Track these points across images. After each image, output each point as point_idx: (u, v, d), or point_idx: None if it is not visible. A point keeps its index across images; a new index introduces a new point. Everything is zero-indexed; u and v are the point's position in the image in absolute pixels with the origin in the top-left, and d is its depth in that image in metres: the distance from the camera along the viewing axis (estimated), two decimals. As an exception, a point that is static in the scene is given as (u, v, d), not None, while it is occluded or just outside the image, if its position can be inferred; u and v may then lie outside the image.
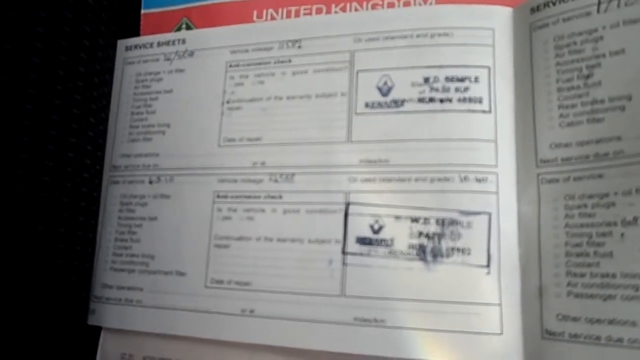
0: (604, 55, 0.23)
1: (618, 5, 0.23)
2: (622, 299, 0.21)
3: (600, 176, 0.22)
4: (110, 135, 0.30)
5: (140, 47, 0.30)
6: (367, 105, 0.26)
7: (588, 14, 0.23)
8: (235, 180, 0.27)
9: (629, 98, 0.22)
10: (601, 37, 0.23)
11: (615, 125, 0.22)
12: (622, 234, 0.21)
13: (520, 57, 0.25)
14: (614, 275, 0.21)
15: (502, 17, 0.26)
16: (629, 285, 0.20)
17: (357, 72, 0.27)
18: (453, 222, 0.24)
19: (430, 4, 0.28)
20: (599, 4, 0.23)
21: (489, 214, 0.24)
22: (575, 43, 0.24)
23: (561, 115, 0.24)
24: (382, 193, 0.25)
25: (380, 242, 0.25)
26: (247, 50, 0.29)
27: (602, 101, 0.23)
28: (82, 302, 0.26)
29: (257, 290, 0.26)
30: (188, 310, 0.26)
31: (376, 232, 0.25)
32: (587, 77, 0.23)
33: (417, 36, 0.26)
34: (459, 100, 0.25)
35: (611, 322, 0.21)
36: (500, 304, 0.23)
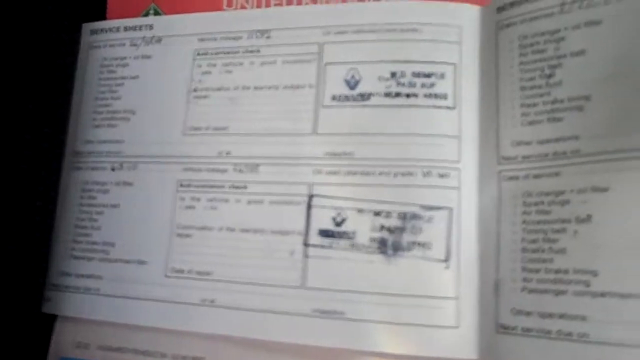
0: (565, 56, 0.23)
1: (580, 7, 0.23)
2: (573, 294, 0.21)
3: (557, 174, 0.23)
4: (74, 120, 0.29)
5: (106, 31, 0.30)
6: (334, 98, 0.26)
7: (551, 14, 0.24)
8: (200, 170, 0.27)
9: (588, 98, 0.22)
10: (563, 38, 0.23)
11: (574, 125, 0.23)
12: (576, 231, 0.21)
13: (486, 55, 0.25)
14: (566, 271, 0.21)
15: (470, 15, 0.26)
16: (580, 281, 0.21)
17: (326, 65, 0.27)
18: (414, 217, 0.24)
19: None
20: (562, 5, 0.24)
21: (450, 209, 0.24)
22: (538, 43, 0.24)
23: (523, 114, 0.24)
24: (345, 186, 0.25)
25: (342, 235, 0.25)
26: (215, 39, 0.28)
27: (562, 101, 0.23)
28: (37, 289, 0.26)
29: (218, 280, 0.25)
30: (148, 299, 0.26)
31: (338, 224, 0.25)
32: (549, 76, 0.24)
33: (386, 31, 0.26)
34: (425, 95, 0.25)
35: (562, 316, 0.21)
36: (457, 298, 0.23)
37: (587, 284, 0.21)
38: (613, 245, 0.21)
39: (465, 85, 0.25)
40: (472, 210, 0.24)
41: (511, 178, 0.24)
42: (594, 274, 0.21)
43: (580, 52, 0.23)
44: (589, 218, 0.21)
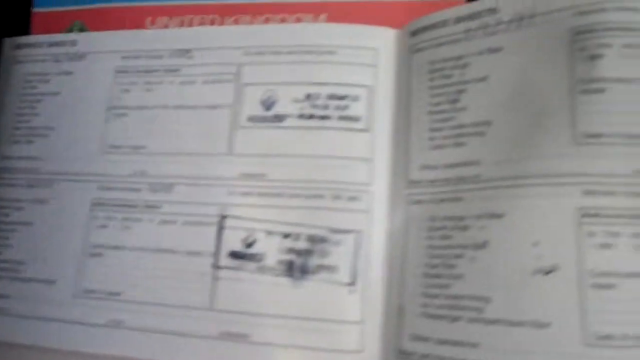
0: (469, 82, 0.23)
1: (483, 34, 0.23)
2: (467, 321, 0.21)
3: (459, 199, 0.23)
4: (-7, 136, 0.29)
5: (29, 47, 0.29)
6: (250, 119, 0.26)
7: (457, 40, 0.24)
8: (115, 189, 0.27)
9: (489, 124, 0.23)
10: (467, 64, 0.24)
11: (475, 150, 0.23)
12: (473, 257, 0.21)
13: (400, 78, 0.26)
14: (462, 297, 0.21)
15: (386, 39, 0.26)
16: (474, 308, 0.21)
17: (243, 86, 0.27)
18: (323, 240, 0.24)
19: (321, 22, 0.28)
20: (467, 31, 0.24)
21: (359, 233, 0.24)
22: (445, 68, 0.24)
23: (431, 138, 0.24)
24: (257, 207, 0.25)
25: (252, 257, 0.25)
26: (137, 57, 0.28)
27: (466, 126, 0.23)
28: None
29: (127, 301, 0.25)
30: (56, 320, 0.25)
31: (248, 246, 0.25)
32: (454, 102, 0.24)
33: (303, 52, 0.26)
34: (338, 118, 0.25)
35: (456, 343, 0.21)
36: (361, 322, 0.23)
37: (480, 310, 0.21)
38: (505, 272, 0.21)
39: (379, 107, 0.25)
40: (381, 234, 0.24)
41: (418, 202, 0.24)
42: (487, 300, 0.21)
43: (483, 78, 0.23)
44: (485, 244, 0.21)
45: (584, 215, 0.20)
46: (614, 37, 0.20)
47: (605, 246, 0.19)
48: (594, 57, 0.20)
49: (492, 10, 0.23)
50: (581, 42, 0.21)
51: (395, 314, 0.23)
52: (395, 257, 0.24)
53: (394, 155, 0.25)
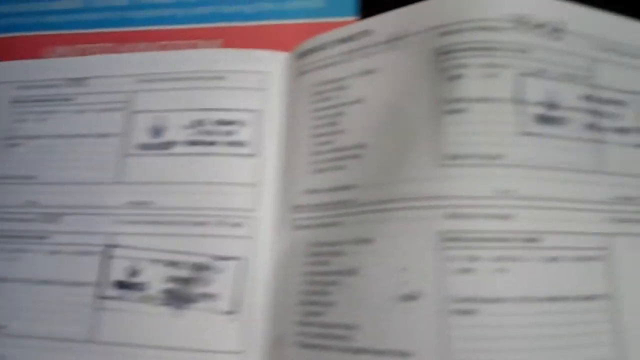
0: (346, 104, 0.23)
1: (360, 56, 0.23)
2: (337, 351, 0.20)
3: (337, 224, 0.22)
4: None
5: None
6: (139, 146, 0.26)
7: (337, 63, 0.24)
8: (6, 219, 0.26)
9: (365, 147, 0.22)
10: (346, 86, 0.23)
11: (353, 174, 0.22)
12: (344, 284, 0.21)
13: (287, 102, 0.25)
14: (333, 326, 0.21)
15: (276, 62, 0.26)
16: (343, 337, 0.20)
17: (134, 113, 0.26)
18: (205, 267, 0.24)
19: (216, 47, 0.28)
20: (344, 53, 0.24)
21: (241, 260, 0.23)
22: (326, 91, 0.24)
23: (314, 162, 0.24)
24: (143, 236, 0.25)
25: (135, 287, 0.24)
26: (33, 87, 0.28)
27: (345, 149, 0.23)
28: None
29: (11, 335, 0.24)
30: (-60, 357, 0.25)
31: (132, 275, 0.24)
32: (333, 124, 0.23)
33: (194, 79, 0.26)
34: (226, 143, 0.25)
35: (325, 374, 0.20)
36: (241, 352, 0.22)
37: (349, 339, 0.20)
38: (372, 300, 0.20)
39: (268, 132, 0.25)
40: (265, 261, 0.24)
41: (301, 227, 0.23)
42: (356, 329, 0.20)
43: (359, 100, 0.23)
44: (355, 270, 0.21)
45: (444, 240, 0.19)
46: (472, 57, 0.20)
47: (466, 271, 0.19)
48: (453, 78, 0.20)
49: (369, 32, 0.23)
50: (442, 63, 0.21)
51: (274, 344, 0.22)
52: (279, 284, 0.23)
53: (281, 180, 0.24)
